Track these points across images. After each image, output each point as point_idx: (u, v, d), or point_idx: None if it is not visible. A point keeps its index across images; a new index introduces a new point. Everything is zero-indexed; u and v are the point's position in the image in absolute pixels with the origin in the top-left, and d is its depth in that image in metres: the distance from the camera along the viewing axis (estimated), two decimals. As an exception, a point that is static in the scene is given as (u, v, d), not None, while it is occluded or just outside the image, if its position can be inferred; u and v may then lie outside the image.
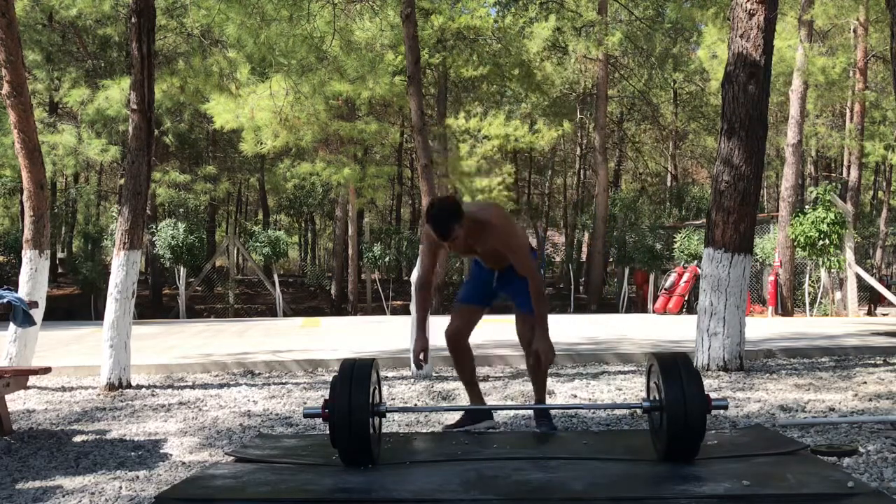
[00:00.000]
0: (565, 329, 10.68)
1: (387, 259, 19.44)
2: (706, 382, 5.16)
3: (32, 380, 5.89)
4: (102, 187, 27.87)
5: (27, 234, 6.04)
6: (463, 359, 4.06)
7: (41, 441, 3.96)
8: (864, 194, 25.49)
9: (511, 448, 3.50)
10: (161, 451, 3.69)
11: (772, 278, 14.96)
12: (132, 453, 3.64)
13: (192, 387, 5.85)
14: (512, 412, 4.48)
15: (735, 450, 3.39)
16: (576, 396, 5.11)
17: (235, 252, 22.06)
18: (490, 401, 5.06)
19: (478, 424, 3.97)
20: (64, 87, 17.35)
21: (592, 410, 4.56)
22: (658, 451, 3.20)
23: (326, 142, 18.56)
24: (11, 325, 5.41)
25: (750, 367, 6.37)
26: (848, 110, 20.02)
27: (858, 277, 14.88)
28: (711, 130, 26.27)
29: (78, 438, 4.02)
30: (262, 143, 15.95)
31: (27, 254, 6.00)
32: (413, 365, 4.04)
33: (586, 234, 26.46)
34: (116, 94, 14.74)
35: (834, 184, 16.05)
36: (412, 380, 6.03)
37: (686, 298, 16.36)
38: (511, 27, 19.37)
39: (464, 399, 5.11)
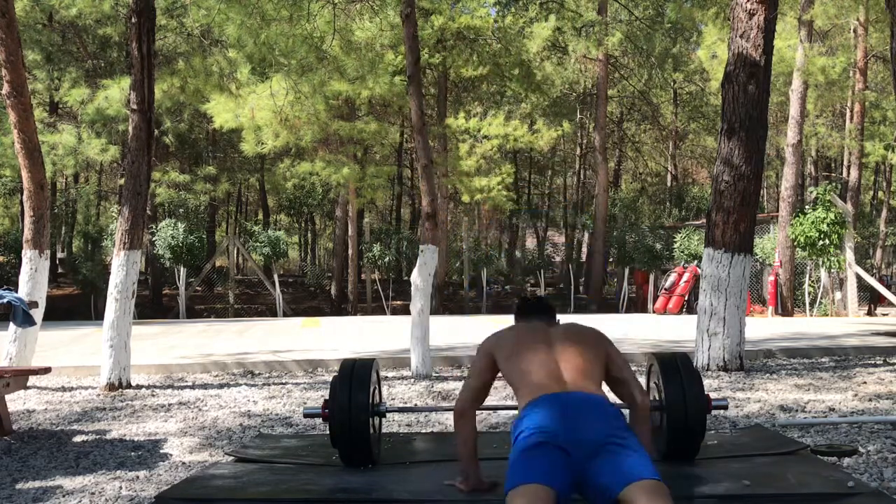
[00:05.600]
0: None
1: (387, 259, 19.44)
2: (706, 382, 5.16)
3: (32, 380, 5.89)
4: (102, 187, 27.88)
5: (27, 234, 6.04)
6: None
7: (41, 441, 3.95)
8: (864, 194, 25.49)
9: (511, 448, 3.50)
10: (161, 451, 3.69)
11: (772, 278, 14.96)
12: (132, 453, 3.64)
13: (192, 387, 5.85)
14: (510, 412, 4.47)
15: (735, 450, 3.39)
16: (576, 396, 5.10)
17: (235, 252, 22.06)
18: (490, 401, 5.05)
19: None
20: (64, 87, 17.36)
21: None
22: (658, 451, 3.20)
23: (326, 142, 18.56)
24: (11, 325, 5.40)
25: (750, 367, 6.37)
26: (848, 110, 20.02)
27: (858, 277, 14.87)
28: (711, 130, 26.28)
29: (78, 438, 4.01)
30: (262, 143, 15.96)
31: (27, 254, 6.00)
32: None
33: (586, 234, 26.48)
34: (116, 94, 14.74)
35: (834, 184, 16.05)
36: (412, 380, 6.03)
37: (686, 298, 16.36)
38: (511, 27, 19.38)
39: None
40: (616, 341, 2.93)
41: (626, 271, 19.87)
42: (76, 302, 18.61)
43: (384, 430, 3.76)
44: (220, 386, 5.87)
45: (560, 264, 28.23)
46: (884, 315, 15.88)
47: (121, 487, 3.02)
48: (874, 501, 2.58)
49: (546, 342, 2.70)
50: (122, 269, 5.72)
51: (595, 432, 2.39)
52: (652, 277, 18.89)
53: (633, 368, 6.54)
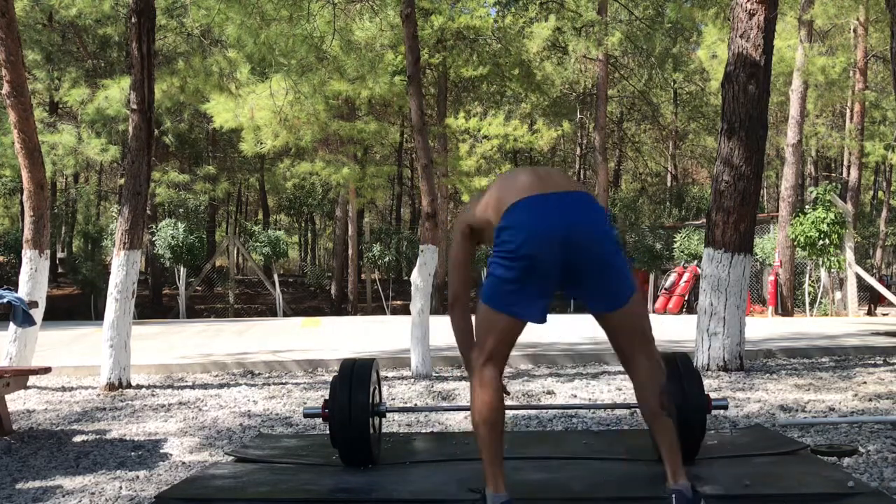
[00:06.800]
0: (565, 329, 10.68)
1: (387, 259, 19.44)
2: (706, 382, 5.16)
3: (32, 380, 5.89)
4: (102, 187, 27.89)
5: (27, 234, 6.04)
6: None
7: (41, 441, 3.95)
8: (864, 194, 25.51)
9: (511, 448, 3.50)
10: (161, 451, 3.69)
11: (772, 278, 14.96)
12: (132, 453, 3.64)
13: (192, 387, 5.85)
14: (510, 412, 4.47)
15: (735, 450, 3.39)
16: (576, 396, 5.11)
17: (235, 252, 22.06)
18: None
19: None
20: (64, 87, 17.37)
21: (592, 410, 4.55)
22: (658, 451, 3.20)
23: (326, 141, 18.57)
24: (11, 325, 5.40)
25: (750, 367, 6.37)
26: (848, 110, 20.04)
27: (858, 277, 14.87)
28: (711, 130, 26.28)
29: (78, 438, 4.01)
30: (261, 143, 15.96)
31: (27, 254, 6.00)
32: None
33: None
34: (116, 93, 14.75)
35: (834, 184, 16.05)
36: (412, 380, 6.03)
37: (686, 298, 16.37)
38: (511, 27, 19.39)
39: (465, 398, 5.10)
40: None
41: (626, 271, 19.88)
42: (76, 302, 18.62)
43: (384, 430, 3.76)
44: (220, 386, 5.87)
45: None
46: (884, 315, 15.87)
47: (121, 487, 3.02)
48: (874, 501, 2.58)
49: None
50: (122, 269, 5.72)
51: (582, 238, 2.30)
52: (652, 277, 18.88)
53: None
